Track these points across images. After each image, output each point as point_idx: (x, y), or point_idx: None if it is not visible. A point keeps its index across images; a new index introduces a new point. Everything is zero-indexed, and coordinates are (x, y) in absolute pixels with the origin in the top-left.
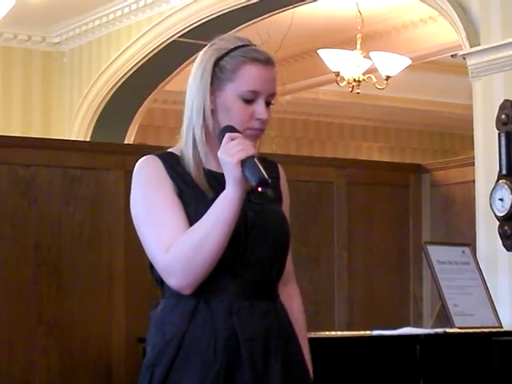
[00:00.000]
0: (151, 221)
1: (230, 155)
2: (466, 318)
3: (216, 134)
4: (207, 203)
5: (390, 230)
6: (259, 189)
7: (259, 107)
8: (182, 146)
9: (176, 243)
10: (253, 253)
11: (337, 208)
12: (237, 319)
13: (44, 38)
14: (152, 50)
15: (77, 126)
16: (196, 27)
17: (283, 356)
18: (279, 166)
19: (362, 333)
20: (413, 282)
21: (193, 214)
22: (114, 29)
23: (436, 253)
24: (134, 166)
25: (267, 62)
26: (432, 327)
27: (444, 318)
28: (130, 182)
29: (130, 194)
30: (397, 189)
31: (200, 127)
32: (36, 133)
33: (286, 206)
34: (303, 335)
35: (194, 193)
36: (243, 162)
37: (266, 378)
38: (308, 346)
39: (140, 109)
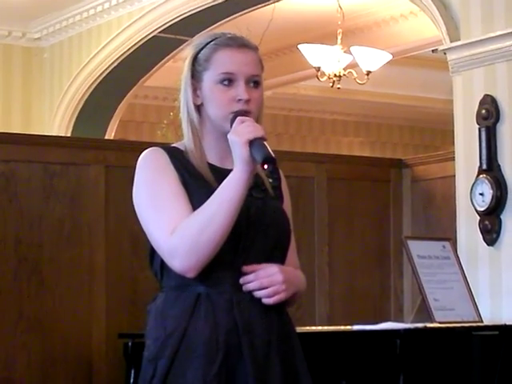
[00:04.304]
0: (155, 206)
1: (239, 135)
2: (447, 313)
3: (214, 128)
4: (211, 193)
5: (370, 224)
6: (265, 166)
7: (238, 88)
8: (185, 141)
9: (181, 225)
10: (253, 247)
11: (317, 203)
12: (237, 312)
13: (24, 34)
14: (132, 46)
15: (57, 122)
16: (176, 22)
17: (283, 351)
18: (279, 169)
19: (342, 328)
20: (393, 276)
21: (196, 202)
22: (94, 24)
23: (416, 247)
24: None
25: (241, 45)
26: (412, 322)
27: (424, 312)
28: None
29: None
30: (377, 184)
31: (186, 122)
32: (16, 128)
33: (287, 206)
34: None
35: (198, 183)
36: (251, 143)
37: (266, 371)
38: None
39: (121, 104)
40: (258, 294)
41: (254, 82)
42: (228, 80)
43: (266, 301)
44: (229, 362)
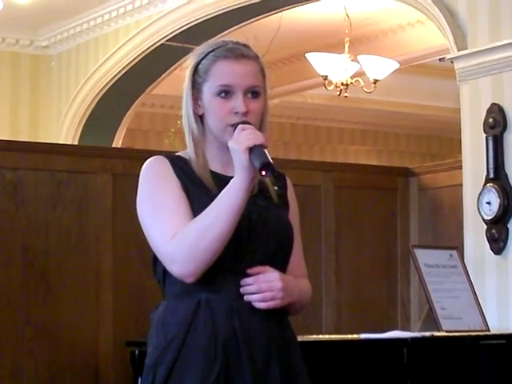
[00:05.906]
0: (156, 213)
1: (239, 143)
2: (454, 322)
3: (215, 138)
4: (212, 200)
5: (377, 233)
6: (263, 172)
7: (236, 101)
8: (187, 150)
9: (180, 231)
10: (254, 254)
11: (324, 211)
12: (237, 320)
13: (32, 42)
14: (140, 54)
15: (64, 130)
16: (184, 31)
17: (282, 359)
18: (287, 177)
19: (349, 336)
20: (400, 285)
21: (198, 209)
22: (101, 32)
23: (423, 256)
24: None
25: (239, 56)
26: (419, 330)
27: (431, 321)
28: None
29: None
30: (384, 192)
31: (187, 132)
32: (24, 136)
33: (293, 215)
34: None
35: (200, 190)
36: (251, 150)
37: (265, 379)
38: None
39: (128, 112)
40: (251, 297)
41: (253, 93)
42: (226, 92)
43: (258, 305)
44: (227, 371)
